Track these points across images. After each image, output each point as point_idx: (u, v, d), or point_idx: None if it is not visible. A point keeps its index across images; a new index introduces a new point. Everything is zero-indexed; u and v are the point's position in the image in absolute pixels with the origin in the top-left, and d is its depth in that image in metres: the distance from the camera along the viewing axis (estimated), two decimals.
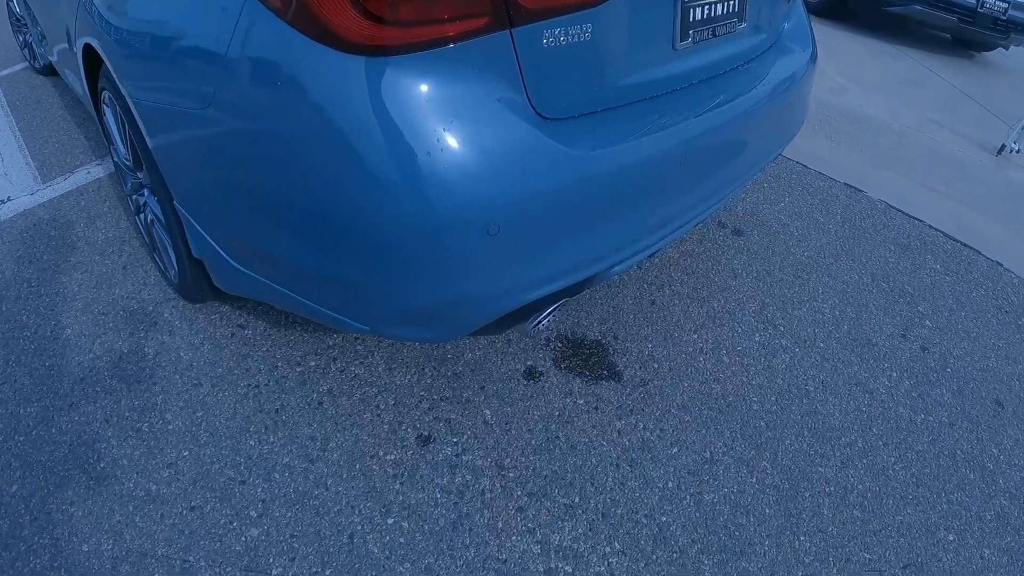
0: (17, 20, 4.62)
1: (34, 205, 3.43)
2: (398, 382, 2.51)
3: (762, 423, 2.60)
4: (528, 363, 2.63)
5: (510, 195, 1.60)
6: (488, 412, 2.44)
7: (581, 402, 2.52)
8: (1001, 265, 3.82)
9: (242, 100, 1.68)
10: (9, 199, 3.48)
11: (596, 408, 2.51)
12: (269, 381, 2.49)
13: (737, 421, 2.58)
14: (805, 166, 4.66)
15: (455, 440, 2.34)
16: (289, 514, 2.12)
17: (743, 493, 2.33)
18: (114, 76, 2.22)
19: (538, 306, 1.91)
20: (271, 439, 2.31)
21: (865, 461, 2.52)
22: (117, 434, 2.30)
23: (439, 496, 2.18)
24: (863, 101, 6.12)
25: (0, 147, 3.92)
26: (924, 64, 7.93)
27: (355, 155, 1.55)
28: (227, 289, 2.39)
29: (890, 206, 4.28)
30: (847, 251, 3.72)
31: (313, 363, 2.57)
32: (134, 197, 2.89)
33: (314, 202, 1.69)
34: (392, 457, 2.27)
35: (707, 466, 2.40)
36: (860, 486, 2.43)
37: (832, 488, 2.41)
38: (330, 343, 2.64)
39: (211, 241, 2.18)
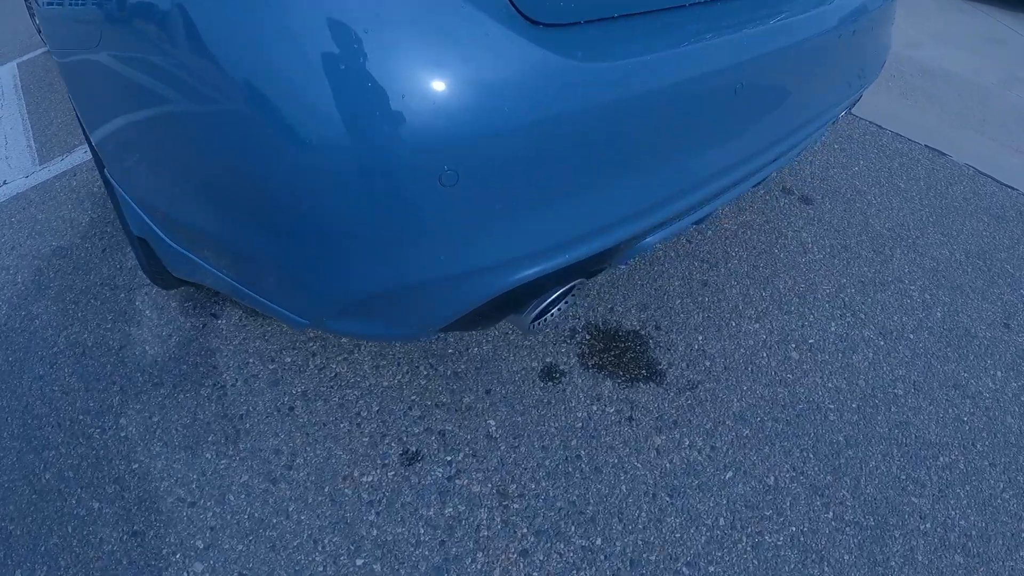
0: (27, 3, 4.29)
1: (27, 188, 3.04)
2: (386, 383, 1.97)
3: (840, 438, 1.97)
4: (547, 360, 2.06)
5: (476, 128, 1.03)
6: (493, 423, 1.88)
7: (611, 411, 1.94)
8: None
9: (129, 33, 1.17)
10: (5, 183, 3.11)
11: (630, 419, 1.92)
12: (237, 381, 2.00)
13: (809, 436, 1.96)
14: (879, 126, 3.94)
15: (448, 458, 1.79)
16: (240, 547, 1.62)
17: (816, 533, 1.71)
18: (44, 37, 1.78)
19: (534, 291, 1.34)
20: (230, 452, 1.81)
21: (968, 488, 1.86)
22: (67, 440, 1.86)
23: (422, 532, 1.64)
24: (940, 56, 5.28)
25: (7, 130, 3.56)
26: (1001, 21, 6.95)
27: (260, 93, 1.02)
28: (178, 274, 1.89)
29: (978, 171, 3.53)
30: (935, 223, 3.01)
31: (289, 359, 2.06)
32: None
33: (223, 159, 1.16)
34: (369, 479, 1.74)
35: (770, 496, 1.79)
36: (963, 522, 1.78)
37: (928, 525, 1.77)
38: (311, 335, 2.13)
39: (144, 216, 1.67)
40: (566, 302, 1.52)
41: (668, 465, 1.82)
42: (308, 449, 1.81)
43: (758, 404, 2.02)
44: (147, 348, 2.14)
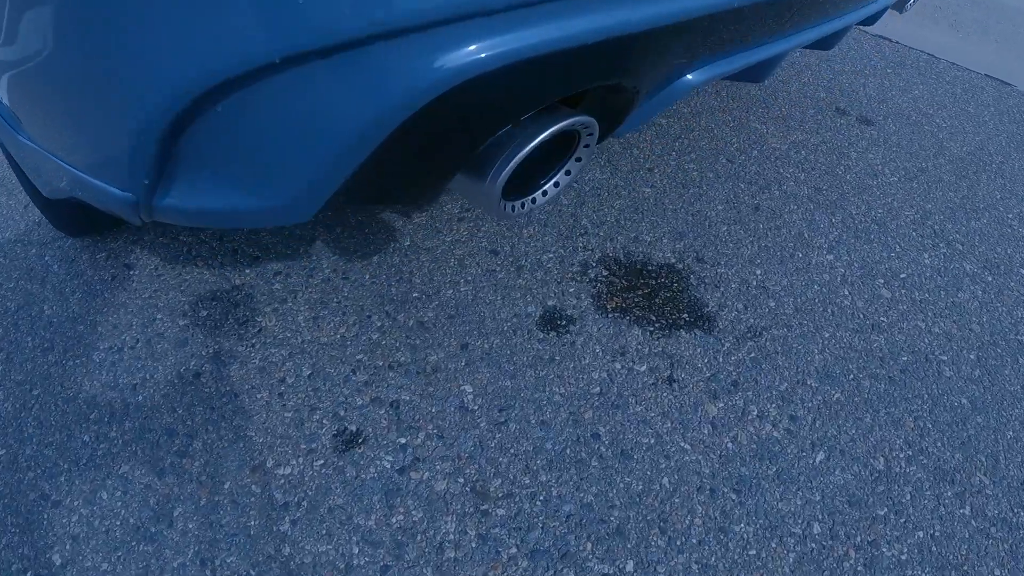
0: None
1: None
2: (324, 338, 1.35)
3: (964, 400, 1.34)
4: (549, 303, 1.42)
5: None
6: (469, 389, 1.26)
7: (642, 369, 1.31)
8: None
9: None
10: None
11: (670, 380, 1.30)
12: (137, 342, 1.38)
13: (922, 398, 1.33)
14: (932, 55, 3.33)
15: (402, 441, 1.17)
16: (105, 566, 1.02)
17: (952, 539, 1.09)
18: None
19: (499, 119, 0.72)
20: (112, 433, 1.20)
21: None
22: None
23: (356, 552, 1.02)
24: None
25: None
26: None
27: None
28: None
29: None
30: (1018, 148, 2.38)
31: (205, 312, 1.44)
32: None
33: None
34: (287, 471, 1.13)
35: (882, 487, 1.16)
36: None
37: None
38: (237, 282, 1.50)
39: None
40: (566, 172, 0.90)
41: (730, 446, 1.19)
42: (210, 428, 1.19)
43: (847, 356, 1.39)
44: (44, 308, 1.53)
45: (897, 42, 3.37)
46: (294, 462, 1.14)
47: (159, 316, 1.46)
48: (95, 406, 1.28)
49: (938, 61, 3.24)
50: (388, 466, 1.12)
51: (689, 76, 0.86)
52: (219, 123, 0.63)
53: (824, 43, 1.33)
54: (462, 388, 1.24)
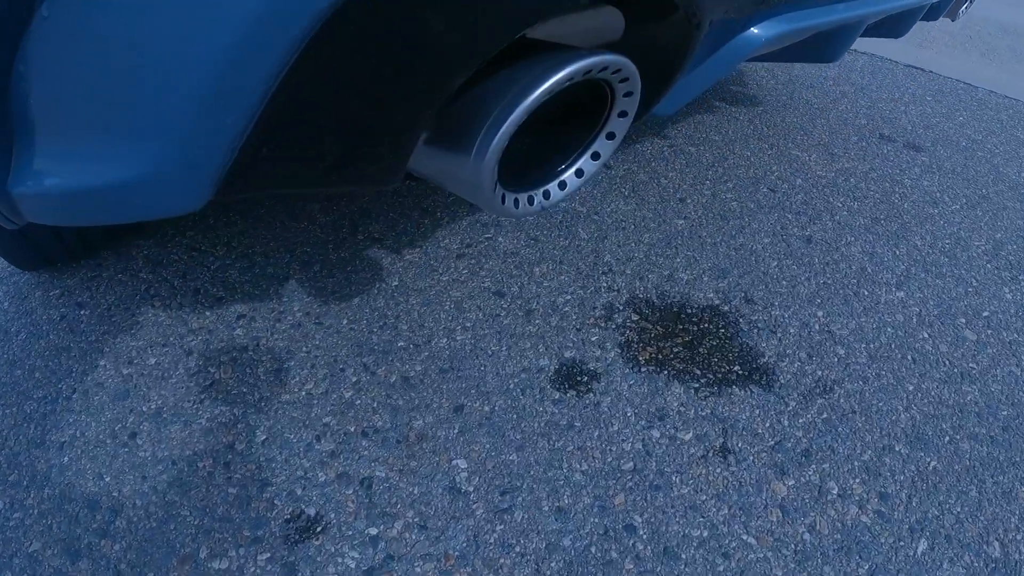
0: None
1: None
2: (287, 395, 1.08)
3: None
4: (567, 354, 1.15)
5: None
6: (463, 464, 0.97)
7: (687, 438, 1.02)
8: None
9: None
10: None
11: (724, 451, 1.01)
12: (74, 391, 1.12)
13: None
14: (969, 84, 3.14)
15: (373, 531, 0.88)
16: None
17: None
18: None
19: (487, 83, 0.46)
20: (28, 501, 0.94)
21: None
22: None
23: None
24: (1016, 14, 4.49)
25: None
26: None
27: None
28: None
29: None
30: None
31: (153, 360, 1.19)
32: None
33: None
34: (223, 565, 0.85)
35: None
36: None
37: None
38: (195, 325, 1.24)
39: None
40: (593, 156, 0.64)
41: (807, 537, 0.89)
42: (138, 502, 0.92)
43: (938, 413, 1.10)
44: None
45: (931, 71, 3.15)
46: (233, 553, 0.86)
47: (102, 363, 1.22)
48: (16, 466, 1.03)
49: (976, 89, 3.03)
50: (352, 565, 0.84)
51: (755, 29, 0.61)
52: (41, 51, 0.39)
53: (897, 26, 1.10)
54: (454, 463, 0.97)
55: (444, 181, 0.58)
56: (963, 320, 1.32)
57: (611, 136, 0.65)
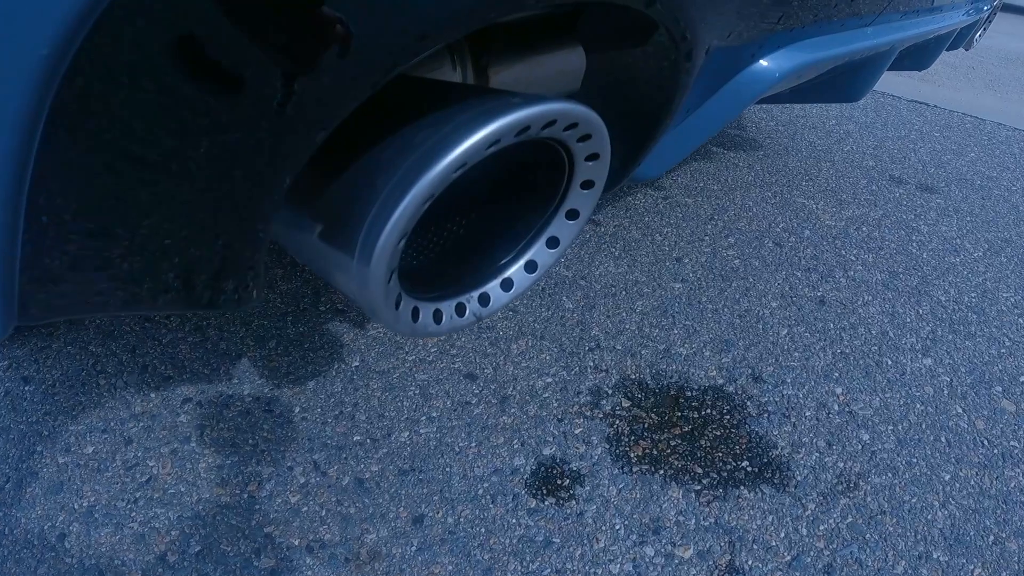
0: None
1: None
2: (227, 498, 0.92)
3: None
4: (545, 451, 0.99)
5: None
6: None
7: (687, 555, 0.86)
8: None
9: None
10: None
11: (730, 572, 0.85)
12: (8, 481, 1.00)
13: None
14: (977, 117, 3.05)
15: None
16: None
17: None
18: None
19: (375, 135, 0.32)
20: None
21: None
22: None
23: None
24: (1019, 43, 4.42)
25: None
26: None
27: None
28: None
29: None
30: None
31: (91, 449, 1.05)
32: None
33: None
34: None
35: None
36: None
37: None
38: (138, 409, 1.11)
39: None
40: (549, 241, 0.50)
41: None
42: None
43: (980, 507, 0.93)
44: None
45: (936, 105, 3.05)
46: None
47: (39, 448, 1.09)
48: None
49: (984, 122, 2.92)
50: None
51: (764, 62, 0.47)
52: None
53: (923, 56, 0.98)
54: None
55: (336, 286, 0.43)
56: (999, 388, 1.16)
57: (573, 215, 0.51)
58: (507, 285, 0.50)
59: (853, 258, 1.50)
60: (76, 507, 0.93)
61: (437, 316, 0.45)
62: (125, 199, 0.31)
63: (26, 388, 1.17)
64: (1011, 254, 1.64)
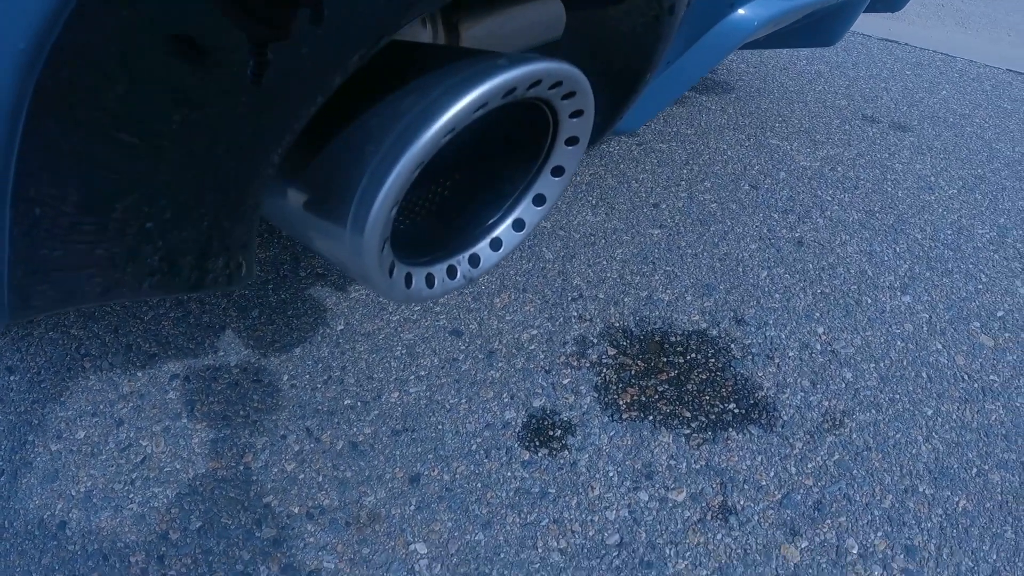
0: None
1: None
2: (224, 471, 0.92)
3: None
4: (535, 403, 1.00)
5: None
6: (422, 549, 0.82)
7: (680, 498, 0.87)
8: None
9: None
10: None
11: (724, 512, 0.86)
12: (2, 473, 0.99)
13: None
14: (947, 54, 3.04)
15: None
16: None
17: None
18: None
19: (360, 107, 0.31)
20: None
21: None
22: None
23: None
24: None
25: None
26: None
27: None
28: None
29: None
30: None
31: (83, 434, 1.04)
32: None
33: None
34: None
35: None
36: None
37: None
38: (126, 389, 1.09)
39: None
40: (536, 199, 0.49)
41: None
42: None
43: (962, 440, 0.96)
44: None
45: (906, 44, 3.04)
46: None
47: (30, 437, 1.08)
48: None
49: (955, 60, 2.92)
50: None
51: (742, 10, 0.46)
52: None
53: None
54: (411, 547, 0.82)
55: (327, 258, 0.43)
56: (977, 324, 1.19)
57: (558, 171, 0.50)
58: (496, 245, 0.50)
59: (829, 198, 1.51)
60: (73, 493, 0.93)
61: (429, 280, 0.44)
62: (113, 182, 0.30)
63: (11, 378, 1.15)
64: (985, 191, 1.66)
